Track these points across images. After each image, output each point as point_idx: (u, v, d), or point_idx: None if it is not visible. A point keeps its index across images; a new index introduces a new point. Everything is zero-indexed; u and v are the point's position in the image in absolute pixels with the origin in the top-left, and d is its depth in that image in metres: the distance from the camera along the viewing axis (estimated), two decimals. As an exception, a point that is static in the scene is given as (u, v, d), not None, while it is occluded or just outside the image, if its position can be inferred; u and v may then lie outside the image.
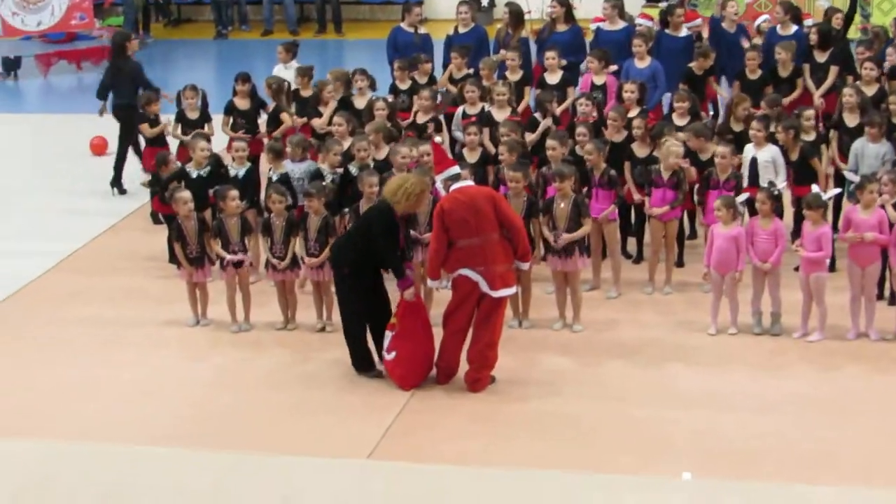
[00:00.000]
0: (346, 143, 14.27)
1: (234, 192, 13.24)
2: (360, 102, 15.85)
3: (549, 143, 13.77)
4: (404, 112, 15.84)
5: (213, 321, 13.51)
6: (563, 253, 12.89)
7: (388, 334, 11.89)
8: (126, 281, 14.75)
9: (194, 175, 14.28)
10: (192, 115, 16.12)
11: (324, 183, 13.49)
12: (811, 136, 14.38)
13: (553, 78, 16.49)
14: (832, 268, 13.16)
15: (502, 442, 10.91)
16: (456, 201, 11.68)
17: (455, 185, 11.95)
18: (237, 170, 14.39)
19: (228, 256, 13.14)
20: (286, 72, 17.34)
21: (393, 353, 11.87)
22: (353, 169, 13.83)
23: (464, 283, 11.64)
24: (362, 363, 12.14)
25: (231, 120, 16.25)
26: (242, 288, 13.32)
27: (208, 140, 14.88)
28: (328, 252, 12.58)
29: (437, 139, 13.24)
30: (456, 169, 12.54)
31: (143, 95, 16.73)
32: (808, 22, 18.96)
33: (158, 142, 16.31)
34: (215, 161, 14.46)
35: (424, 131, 15.14)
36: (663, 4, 21.57)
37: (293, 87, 16.64)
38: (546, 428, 11.12)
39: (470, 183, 12.27)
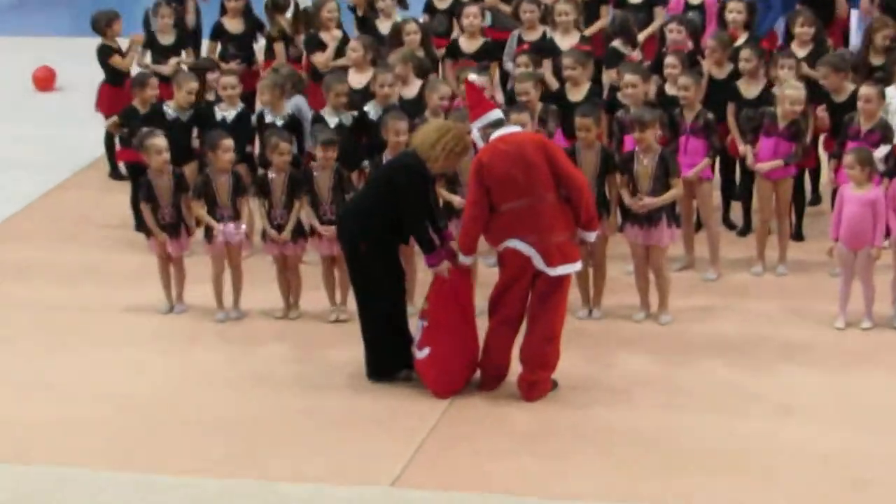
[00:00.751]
0: (366, 77, 14.40)
1: (229, 142, 13.25)
2: (384, 26, 15.98)
3: (628, 77, 13.83)
4: (441, 38, 15.90)
5: (193, 307, 13.64)
6: (646, 222, 12.97)
7: (420, 324, 11.96)
8: (78, 254, 14.90)
9: (172, 117, 14.42)
10: (166, 38, 16.24)
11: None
12: None
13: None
14: None
15: (564, 466, 10.95)
16: (499, 152, 11.57)
17: (496, 134, 11.81)
18: (225, 112, 14.55)
19: (219, 226, 13.21)
20: None
21: (426, 350, 11.94)
22: (370, 111, 13.96)
23: (512, 258, 11.63)
24: (383, 367, 12.23)
25: (219, 47, 16.38)
26: (232, 265, 13.43)
27: (214, 69, 15.12)
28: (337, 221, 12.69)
29: (472, 76, 13.27)
30: (497, 113, 12.23)
31: (99, 15, 16.84)
32: None
33: (117, 79, 16.45)
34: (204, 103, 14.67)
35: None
36: None
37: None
38: (621, 449, 11.16)
39: (517, 129, 12.08)
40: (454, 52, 15.87)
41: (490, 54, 15.65)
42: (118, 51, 16.46)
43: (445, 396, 11.89)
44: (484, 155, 11.63)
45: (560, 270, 11.60)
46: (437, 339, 11.87)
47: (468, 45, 15.75)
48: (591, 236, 12.04)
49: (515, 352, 11.90)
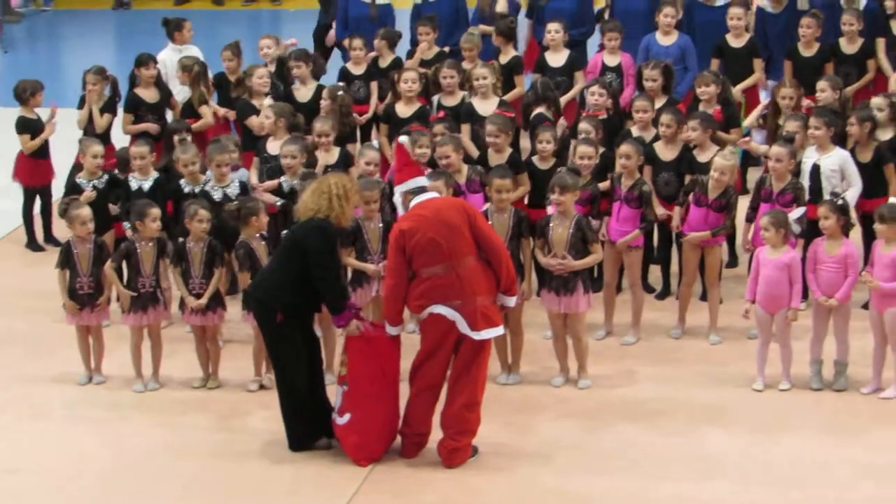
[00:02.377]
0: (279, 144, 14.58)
1: (157, 210, 13.28)
2: (300, 93, 16.18)
3: (545, 142, 14.14)
4: (361, 104, 16.03)
5: (112, 377, 13.60)
6: (563, 289, 13.03)
7: (340, 390, 11.99)
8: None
9: (86, 185, 14.52)
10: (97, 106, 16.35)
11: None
12: (889, 133, 14.62)
13: (557, 59, 16.76)
14: None
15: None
16: (419, 219, 11.67)
17: (417, 199, 11.93)
18: (140, 181, 14.62)
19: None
20: (174, 55, 17.61)
21: (347, 416, 11.95)
22: (285, 183, 14.17)
23: (436, 323, 11.66)
24: (303, 437, 12.23)
25: (133, 118, 16.48)
26: (151, 334, 13.44)
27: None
28: (246, 293, 12.73)
29: (403, 139, 13.37)
30: (421, 180, 12.39)
31: (24, 84, 16.87)
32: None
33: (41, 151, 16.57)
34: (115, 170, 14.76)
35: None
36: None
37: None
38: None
39: (435, 194, 12.20)
40: (389, 116, 15.99)
41: (426, 119, 15.75)
42: (37, 121, 16.48)
43: (366, 464, 11.91)
44: (403, 222, 11.73)
45: (485, 335, 11.65)
46: (358, 405, 11.88)
47: (404, 109, 15.85)
48: (511, 301, 12.10)
49: (437, 418, 11.93)
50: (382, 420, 11.99)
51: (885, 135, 14.49)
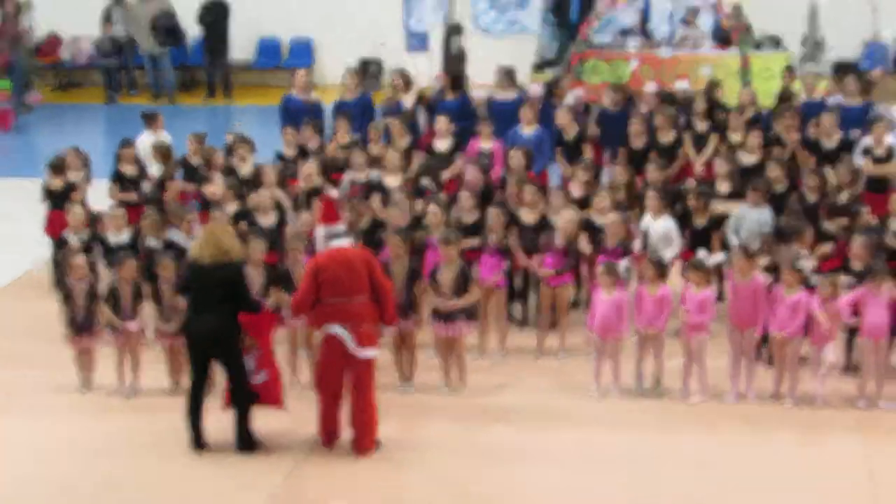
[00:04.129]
0: (231, 208, 14.52)
1: (133, 261, 13.20)
2: (243, 168, 16.11)
3: (432, 209, 14.07)
4: (292, 178, 16.04)
5: (102, 386, 13.42)
6: (448, 318, 13.07)
7: (248, 358, 11.92)
8: (9, 345, 14.62)
9: (74, 240, 14.40)
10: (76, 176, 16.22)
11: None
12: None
13: (443, 144, 16.81)
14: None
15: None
16: (332, 259, 11.84)
17: (334, 243, 12.11)
18: (118, 236, 14.50)
19: (122, 323, 13.13)
20: (150, 139, 17.39)
21: (262, 374, 11.97)
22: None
23: (330, 342, 11.77)
24: (252, 437, 12.13)
25: (118, 187, 16.31)
26: (132, 352, 13.28)
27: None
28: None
29: (332, 191, 13.43)
30: (341, 228, 12.61)
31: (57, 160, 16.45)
32: (682, 84, 19.45)
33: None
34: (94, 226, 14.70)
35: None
36: (549, 73, 22.18)
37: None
38: (427, 493, 11.36)
39: (347, 244, 12.21)
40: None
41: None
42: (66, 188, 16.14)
43: (281, 405, 12.11)
44: (321, 258, 11.98)
45: (366, 353, 11.75)
46: (270, 362, 12.01)
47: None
48: (390, 330, 12.54)
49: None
50: (278, 371, 12.16)
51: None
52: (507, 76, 18.32)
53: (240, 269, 12.10)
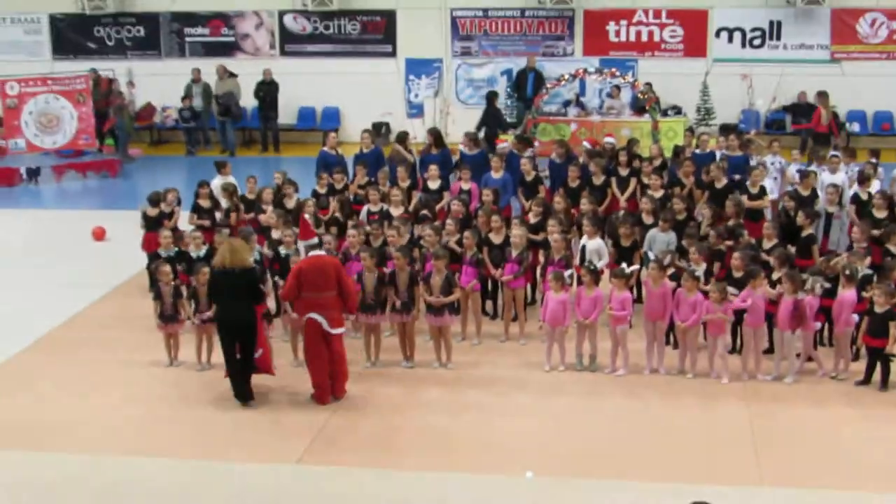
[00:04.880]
0: (278, 233, 14.39)
1: (207, 269, 12.92)
2: (289, 203, 15.95)
3: (428, 232, 13.91)
4: (324, 209, 15.95)
5: (184, 362, 13.32)
6: (438, 312, 12.99)
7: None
8: (115, 334, 14.44)
9: (164, 255, 14.29)
10: (167, 208, 16.09)
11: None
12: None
13: (434, 184, 16.70)
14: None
15: (396, 456, 11.03)
16: (311, 264, 11.95)
17: (313, 252, 12.19)
18: (198, 252, 14.37)
19: (202, 315, 12.96)
20: (220, 181, 17.04)
21: (260, 351, 12.06)
22: (283, 251, 13.95)
23: (312, 324, 11.87)
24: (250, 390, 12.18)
25: (196, 216, 16.18)
26: (207, 337, 13.13)
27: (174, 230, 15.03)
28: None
29: (306, 216, 13.56)
30: (315, 240, 12.91)
31: (154, 195, 16.16)
32: (609, 141, 19.37)
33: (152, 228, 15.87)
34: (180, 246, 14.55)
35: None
36: (512, 132, 22.15)
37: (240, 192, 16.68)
38: (425, 436, 11.27)
39: (323, 253, 12.44)
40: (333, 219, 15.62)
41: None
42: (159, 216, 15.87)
43: (274, 372, 12.25)
44: (303, 264, 12.03)
45: (336, 331, 11.91)
46: (262, 341, 12.13)
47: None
48: (352, 316, 12.64)
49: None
50: (270, 347, 12.39)
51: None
52: (473, 140, 18.37)
53: (255, 272, 12.17)
